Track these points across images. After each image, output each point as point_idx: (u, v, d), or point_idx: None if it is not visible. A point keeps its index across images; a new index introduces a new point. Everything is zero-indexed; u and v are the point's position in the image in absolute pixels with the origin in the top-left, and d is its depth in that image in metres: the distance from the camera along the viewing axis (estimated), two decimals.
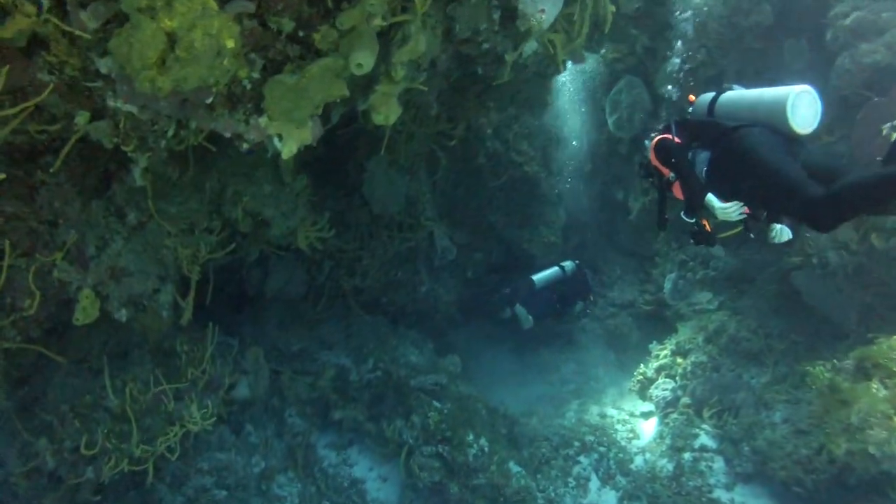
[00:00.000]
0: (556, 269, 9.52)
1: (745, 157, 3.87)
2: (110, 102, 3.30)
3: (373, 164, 7.84)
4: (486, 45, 4.92)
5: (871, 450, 5.87)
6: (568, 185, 10.74)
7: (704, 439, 7.61)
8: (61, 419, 4.93)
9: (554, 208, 10.42)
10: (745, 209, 4.11)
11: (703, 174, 4.19)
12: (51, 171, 3.60)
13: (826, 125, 7.02)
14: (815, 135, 3.91)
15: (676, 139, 4.40)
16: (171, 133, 3.77)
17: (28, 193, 3.78)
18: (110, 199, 4.37)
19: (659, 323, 9.77)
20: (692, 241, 4.51)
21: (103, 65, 3.14)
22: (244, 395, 6.64)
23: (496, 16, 4.70)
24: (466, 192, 9.86)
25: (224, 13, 2.81)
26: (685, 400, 8.04)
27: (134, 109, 3.38)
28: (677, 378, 8.33)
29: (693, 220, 4.34)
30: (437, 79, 5.45)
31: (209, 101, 3.39)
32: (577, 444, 7.88)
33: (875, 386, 6.18)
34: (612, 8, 5.39)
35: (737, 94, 4.28)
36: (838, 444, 6.10)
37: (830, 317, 7.19)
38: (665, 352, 8.84)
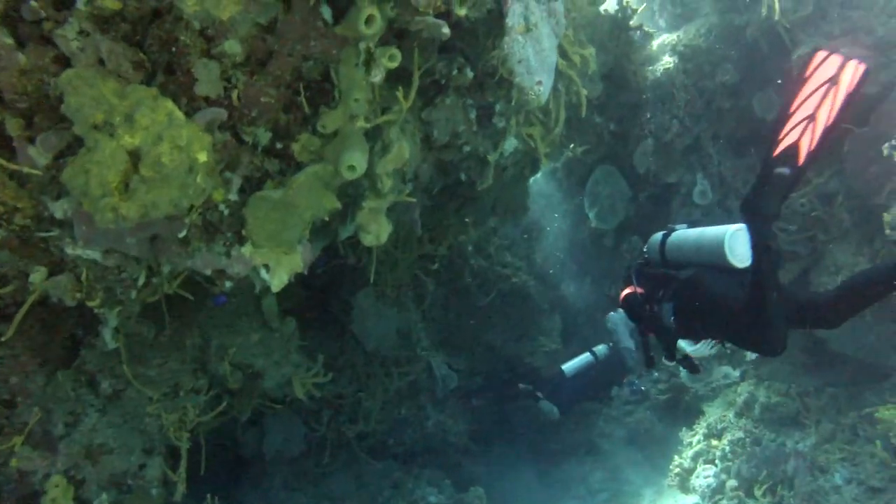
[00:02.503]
0: (587, 355, 9.09)
1: (703, 302, 4.24)
2: (69, 251, 2.87)
3: (360, 300, 7.46)
4: (466, 148, 4.72)
5: None
6: (558, 290, 10.44)
7: None
8: None
9: (549, 315, 10.08)
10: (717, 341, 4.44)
11: (672, 322, 4.50)
12: (2, 340, 3.08)
13: (815, 167, 6.85)
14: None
15: (639, 290, 4.86)
16: (141, 281, 3.33)
17: None
18: (79, 368, 3.82)
19: (680, 410, 9.24)
20: (682, 369, 5.05)
21: (58, 208, 2.74)
22: None
23: (472, 115, 4.54)
24: (457, 315, 9.51)
25: (193, 122, 2.47)
26: (731, 483, 7.35)
27: (97, 255, 2.95)
28: (717, 461, 7.69)
29: (674, 363, 4.71)
30: (419, 193, 5.20)
31: (182, 234, 2.99)
32: None
33: None
34: (585, 91, 5.32)
35: (681, 236, 4.66)
36: None
37: (865, 360, 6.70)
38: (697, 437, 8.24)
